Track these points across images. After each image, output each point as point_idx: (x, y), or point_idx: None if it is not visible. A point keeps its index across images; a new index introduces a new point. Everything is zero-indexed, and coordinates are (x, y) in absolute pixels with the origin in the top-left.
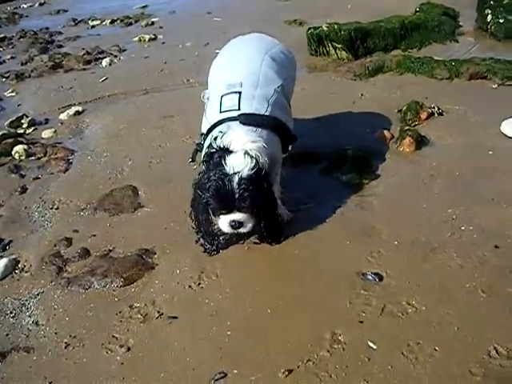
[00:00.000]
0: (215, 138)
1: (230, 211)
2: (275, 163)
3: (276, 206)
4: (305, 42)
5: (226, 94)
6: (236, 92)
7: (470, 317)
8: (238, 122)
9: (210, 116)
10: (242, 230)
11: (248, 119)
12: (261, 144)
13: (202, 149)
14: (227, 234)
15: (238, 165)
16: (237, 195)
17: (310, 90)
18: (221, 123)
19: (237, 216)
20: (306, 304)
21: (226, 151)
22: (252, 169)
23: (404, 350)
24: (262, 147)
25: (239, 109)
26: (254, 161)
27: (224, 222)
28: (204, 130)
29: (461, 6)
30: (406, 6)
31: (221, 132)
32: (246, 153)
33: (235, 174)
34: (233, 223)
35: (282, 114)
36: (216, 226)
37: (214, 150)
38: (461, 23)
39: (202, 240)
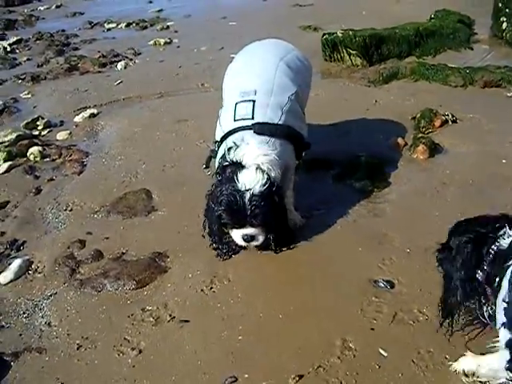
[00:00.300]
0: (229, 149)
1: (242, 226)
2: (288, 170)
3: (286, 217)
4: (319, 48)
5: (240, 102)
6: (250, 100)
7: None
8: (251, 131)
9: (224, 124)
10: (253, 243)
11: (261, 129)
12: (273, 157)
13: (216, 156)
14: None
15: (250, 181)
16: (248, 211)
17: (323, 96)
18: (235, 132)
19: (249, 231)
20: (316, 310)
21: (238, 166)
22: (263, 185)
23: (414, 358)
24: (274, 160)
25: (253, 118)
26: (266, 176)
27: (237, 236)
28: (218, 138)
29: (476, 14)
30: (421, 13)
31: (234, 143)
32: (258, 167)
33: (247, 190)
34: (245, 237)
35: (296, 122)
36: (229, 236)
37: (227, 164)
38: (476, 31)
39: (214, 245)
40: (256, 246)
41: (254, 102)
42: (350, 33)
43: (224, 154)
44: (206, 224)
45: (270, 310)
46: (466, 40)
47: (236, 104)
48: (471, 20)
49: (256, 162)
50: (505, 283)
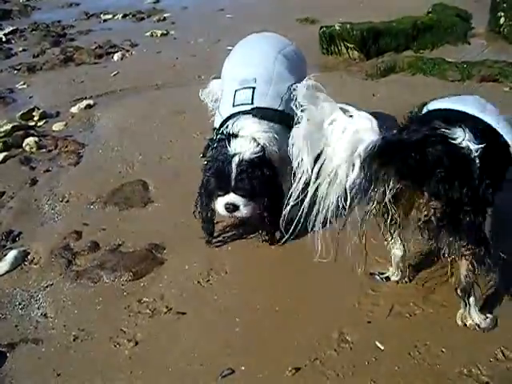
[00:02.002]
0: (226, 126)
1: (225, 193)
2: (285, 161)
3: (282, 198)
4: (317, 41)
5: (239, 89)
6: (250, 87)
7: None
8: (250, 115)
9: (223, 110)
10: (236, 215)
11: (261, 113)
12: (271, 135)
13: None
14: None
15: (241, 147)
16: (234, 176)
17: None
18: (234, 116)
19: (232, 198)
20: (314, 303)
21: (233, 135)
22: (255, 153)
23: (411, 351)
24: (272, 137)
25: (252, 103)
26: (260, 147)
27: (220, 205)
28: (217, 125)
29: (474, 8)
30: (419, 7)
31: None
32: (254, 139)
33: (235, 155)
34: (227, 206)
35: (295, 112)
36: (214, 211)
37: (223, 136)
38: (473, 25)
39: (203, 225)
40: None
41: (253, 88)
42: (348, 26)
43: (221, 131)
44: (197, 200)
45: (266, 303)
46: (464, 34)
47: (235, 91)
48: (469, 14)
49: (253, 135)
50: None
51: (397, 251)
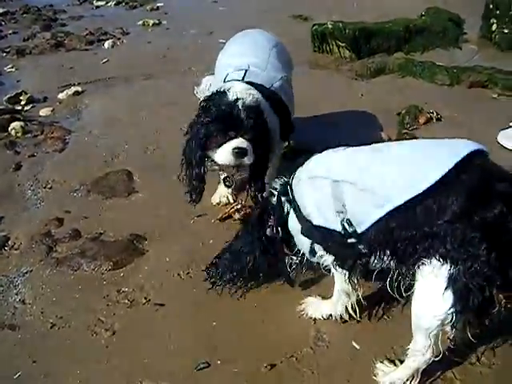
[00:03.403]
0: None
1: (231, 138)
2: (273, 140)
3: (267, 161)
4: (308, 38)
5: (232, 72)
6: (242, 69)
7: None
8: (241, 81)
9: (214, 87)
10: (244, 161)
11: (251, 84)
12: (262, 98)
13: None
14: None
15: (242, 92)
16: (242, 120)
17: (310, 86)
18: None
19: (240, 143)
20: (292, 300)
21: (226, 90)
22: (255, 101)
23: (387, 353)
24: (263, 100)
25: (243, 80)
26: (256, 99)
27: (225, 151)
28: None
29: (466, 13)
30: (412, 9)
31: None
32: (248, 93)
33: (239, 99)
34: (236, 150)
35: (285, 98)
36: (210, 164)
37: (213, 93)
38: (465, 30)
39: (189, 183)
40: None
41: (246, 70)
42: (340, 25)
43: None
44: (185, 159)
45: (245, 298)
46: (455, 39)
47: (227, 74)
48: (461, 19)
49: (246, 91)
50: None
51: None
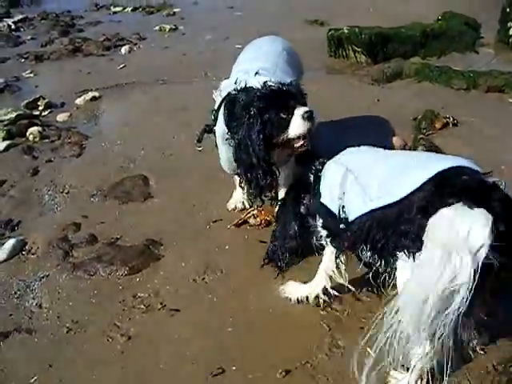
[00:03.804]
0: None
1: (295, 107)
2: None
3: None
4: (325, 43)
5: (242, 75)
6: (253, 73)
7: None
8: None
9: (224, 92)
10: (315, 120)
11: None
12: None
13: (215, 124)
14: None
15: (265, 79)
16: (290, 89)
17: (326, 91)
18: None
19: (305, 107)
20: (307, 306)
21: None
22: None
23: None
24: None
25: None
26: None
27: (298, 120)
28: (216, 106)
29: (483, 17)
30: (428, 14)
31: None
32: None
33: (267, 81)
34: (308, 113)
35: None
36: (283, 138)
37: (235, 93)
38: (482, 34)
39: (255, 173)
40: None
41: (256, 73)
42: (356, 30)
43: (229, 95)
44: (242, 168)
45: (260, 304)
46: (472, 43)
47: (237, 78)
48: (478, 23)
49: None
50: None
51: None
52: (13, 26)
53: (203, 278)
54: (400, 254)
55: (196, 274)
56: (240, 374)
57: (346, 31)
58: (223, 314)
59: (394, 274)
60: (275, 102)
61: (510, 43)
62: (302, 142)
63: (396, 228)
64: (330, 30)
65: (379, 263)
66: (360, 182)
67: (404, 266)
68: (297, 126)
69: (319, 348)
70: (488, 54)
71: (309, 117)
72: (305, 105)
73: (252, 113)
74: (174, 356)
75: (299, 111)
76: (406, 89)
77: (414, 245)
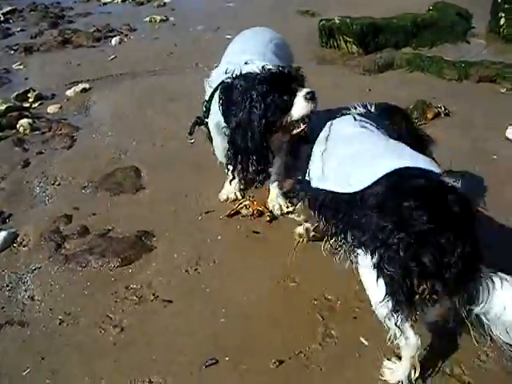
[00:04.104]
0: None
1: (297, 89)
2: None
3: None
4: (316, 34)
5: (231, 65)
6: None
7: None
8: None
9: (214, 82)
10: (317, 101)
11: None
12: None
13: (207, 116)
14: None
15: (257, 65)
16: (290, 72)
17: (317, 82)
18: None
19: (306, 88)
20: (301, 296)
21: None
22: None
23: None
24: None
25: None
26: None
27: (301, 101)
28: (207, 97)
29: (475, 8)
30: (420, 4)
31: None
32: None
33: (264, 66)
34: (310, 94)
35: None
36: (287, 121)
37: (230, 80)
38: (473, 25)
39: (255, 164)
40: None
41: (245, 63)
42: (348, 20)
43: (223, 83)
44: (238, 145)
45: (253, 294)
46: (463, 33)
47: (227, 68)
48: (469, 14)
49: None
50: None
51: None
52: (1, 18)
53: (196, 269)
54: (359, 250)
55: (188, 264)
56: (233, 364)
57: (337, 21)
58: (216, 304)
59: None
60: (277, 84)
61: (501, 33)
62: (302, 127)
63: (348, 215)
64: (322, 20)
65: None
66: (324, 157)
67: (365, 263)
68: (300, 107)
69: (312, 338)
70: (479, 44)
71: (311, 97)
72: (302, 83)
73: (254, 96)
74: (166, 347)
75: (301, 92)
76: (398, 79)
77: (372, 244)
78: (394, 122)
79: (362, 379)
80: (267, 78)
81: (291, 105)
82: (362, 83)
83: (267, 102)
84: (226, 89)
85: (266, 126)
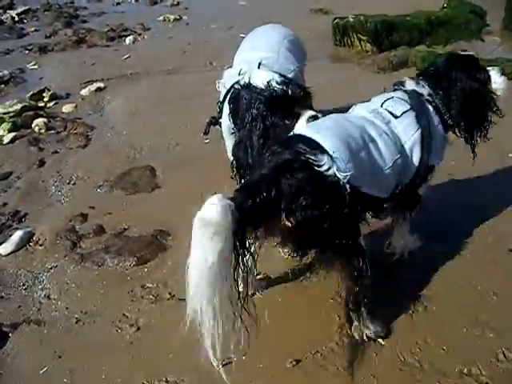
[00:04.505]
0: (237, 82)
1: (299, 113)
2: None
3: None
4: (330, 32)
5: (245, 65)
6: (256, 62)
7: (479, 319)
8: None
9: (228, 83)
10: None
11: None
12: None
13: (220, 116)
14: None
15: (266, 78)
16: (293, 91)
17: (331, 80)
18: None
19: (309, 112)
20: (317, 295)
21: (251, 86)
22: (282, 79)
23: (412, 348)
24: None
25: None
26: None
27: (301, 125)
28: (221, 98)
29: (489, 5)
30: (434, 2)
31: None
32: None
33: (270, 81)
34: (312, 118)
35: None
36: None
37: (238, 89)
38: (488, 22)
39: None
40: None
41: (259, 63)
42: (362, 18)
43: (233, 91)
44: (239, 160)
45: (270, 293)
46: (478, 31)
47: (241, 68)
48: (483, 11)
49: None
50: None
51: None
52: (16, 18)
53: None
54: None
55: None
56: (250, 363)
57: (351, 20)
58: None
59: None
60: (279, 106)
61: None
62: None
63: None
64: (335, 18)
65: None
66: None
67: None
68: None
69: (329, 337)
70: (494, 41)
71: (314, 118)
72: (310, 106)
73: (254, 115)
74: (183, 346)
75: (304, 116)
76: None
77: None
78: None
79: (379, 379)
80: (268, 98)
81: (292, 127)
82: (376, 81)
83: (267, 124)
84: (234, 98)
85: (265, 146)
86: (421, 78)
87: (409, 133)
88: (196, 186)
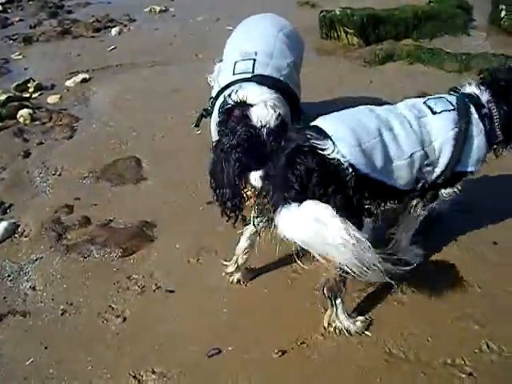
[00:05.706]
0: (229, 95)
1: (263, 165)
2: None
3: None
4: (316, 25)
5: (239, 60)
6: (250, 59)
7: (464, 311)
8: (252, 82)
9: (222, 80)
10: None
11: (262, 80)
12: (277, 96)
13: (211, 112)
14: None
15: (263, 117)
16: (269, 148)
17: (318, 73)
18: (233, 84)
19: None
20: (303, 286)
21: (244, 105)
22: (277, 120)
23: (397, 340)
24: (279, 98)
25: (253, 72)
26: (277, 111)
27: (255, 178)
28: (214, 94)
29: (475, 0)
30: None
31: (233, 91)
32: (266, 104)
33: (263, 127)
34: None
35: (293, 87)
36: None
37: (231, 105)
38: (474, 17)
39: (227, 204)
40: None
41: (254, 60)
42: (348, 11)
43: (224, 100)
44: (215, 180)
45: (256, 284)
46: (464, 26)
47: (236, 62)
48: (470, 6)
49: (262, 99)
50: None
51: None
52: (0, 8)
53: (198, 259)
54: None
55: (190, 254)
56: (236, 354)
57: (337, 13)
58: (218, 294)
59: None
60: (250, 154)
61: (501, 26)
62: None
63: None
64: (322, 11)
65: None
66: None
67: None
68: (255, 181)
69: (315, 328)
70: (480, 36)
71: None
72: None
73: (232, 145)
74: (169, 337)
75: (259, 173)
76: (399, 71)
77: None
78: None
79: (364, 370)
80: (247, 138)
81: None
82: (362, 75)
83: (242, 159)
84: (225, 113)
85: (240, 174)
86: (483, 83)
87: (443, 131)
88: (182, 177)
